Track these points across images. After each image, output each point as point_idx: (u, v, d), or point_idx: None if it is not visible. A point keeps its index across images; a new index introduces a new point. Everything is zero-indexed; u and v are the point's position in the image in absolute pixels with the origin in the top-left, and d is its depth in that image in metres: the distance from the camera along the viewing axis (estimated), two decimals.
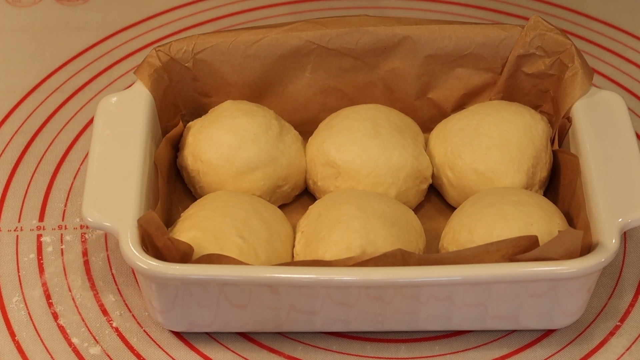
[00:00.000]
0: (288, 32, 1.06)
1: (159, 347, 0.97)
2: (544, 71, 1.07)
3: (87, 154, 1.00)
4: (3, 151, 1.12)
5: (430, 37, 1.07)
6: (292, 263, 0.93)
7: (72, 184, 1.09)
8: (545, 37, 1.05)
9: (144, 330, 0.98)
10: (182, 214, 1.00)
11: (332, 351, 0.97)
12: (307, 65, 1.08)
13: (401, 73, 1.08)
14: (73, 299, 1.00)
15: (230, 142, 1.03)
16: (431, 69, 1.08)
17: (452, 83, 1.09)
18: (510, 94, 1.09)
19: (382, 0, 1.25)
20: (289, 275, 0.90)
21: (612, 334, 0.98)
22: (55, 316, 0.99)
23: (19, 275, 1.02)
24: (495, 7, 1.27)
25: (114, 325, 0.98)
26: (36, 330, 0.98)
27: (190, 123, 1.07)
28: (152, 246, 0.92)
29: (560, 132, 1.04)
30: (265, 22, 1.24)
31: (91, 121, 1.02)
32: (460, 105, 1.10)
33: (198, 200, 1.02)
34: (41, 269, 1.02)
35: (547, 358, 0.96)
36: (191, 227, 0.96)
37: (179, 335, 0.98)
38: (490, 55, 1.07)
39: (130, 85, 1.05)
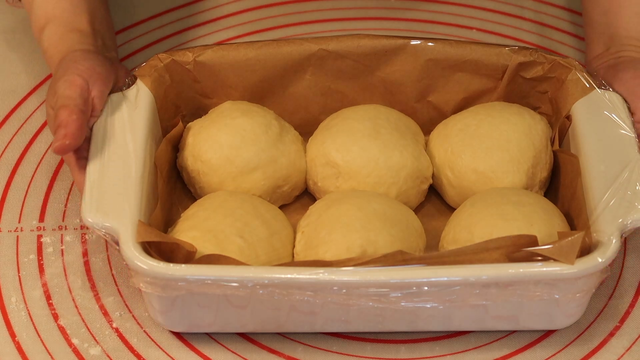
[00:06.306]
0: (288, 38, 1.06)
1: (159, 347, 0.97)
2: (542, 75, 1.07)
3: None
4: (3, 151, 1.12)
5: (430, 44, 1.07)
6: (292, 263, 0.93)
7: (72, 185, 1.08)
8: (547, 57, 1.06)
9: (144, 331, 0.98)
10: (182, 214, 1.00)
11: (332, 352, 0.97)
12: (308, 68, 1.08)
13: (402, 76, 1.08)
14: (73, 299, 1.00)
15: (230, 142, 1.03)
16: (432, 73, 1.08)
17: (453, 87, 1.09)
18: (509, 97, 1.09)
19: (382, 0, 1.25)
20: (289, 276, 0.90)
21: (612, 334, 0.98)
22: (55, 317, 0.99)
23: (19, 276, 1.02)
24: (494, 8, 1.27)
25: (114, 325, 0.98)
26: (36, 330, 0.98)
27: (190, 123, 1.07)
28: (155, 248, 0.92)
29: (561, 132, 1.04)
30: (265, 22, 1.24)
31: None
32: (460, 108, 1.10)
33: (198, 201, 1.02)
34: (41, 270, 1.02)
35: (547, 358, 0.96)
36: (191, 228, 0.96)
37: (179, 335, 0.98)
38: (491, 63, 1.07)
39: (131, 85, 1.05)
